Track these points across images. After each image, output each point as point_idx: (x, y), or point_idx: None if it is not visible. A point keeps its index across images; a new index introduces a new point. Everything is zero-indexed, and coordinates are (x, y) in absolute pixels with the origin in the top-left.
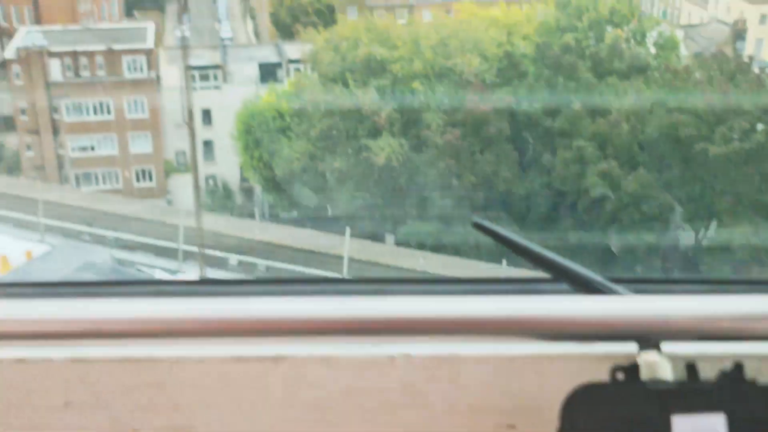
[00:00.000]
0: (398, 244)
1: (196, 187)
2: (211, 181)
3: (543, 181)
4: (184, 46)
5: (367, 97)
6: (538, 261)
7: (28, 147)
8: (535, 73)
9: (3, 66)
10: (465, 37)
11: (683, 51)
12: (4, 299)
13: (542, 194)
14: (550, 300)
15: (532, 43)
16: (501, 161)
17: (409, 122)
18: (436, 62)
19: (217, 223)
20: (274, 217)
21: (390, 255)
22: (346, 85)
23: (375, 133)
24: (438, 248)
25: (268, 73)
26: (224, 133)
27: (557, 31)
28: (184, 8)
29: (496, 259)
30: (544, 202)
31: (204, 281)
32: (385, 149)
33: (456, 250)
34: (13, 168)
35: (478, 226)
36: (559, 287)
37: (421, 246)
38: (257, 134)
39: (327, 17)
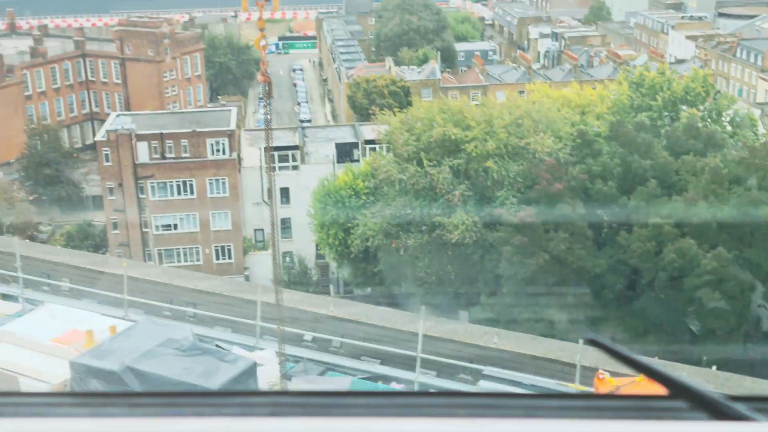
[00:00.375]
0: (472, 321)
1: (275, 263)
2: (288, 258)
3: (618, 258)
4: (265, 127)
5: (441, 176)
6: (656, 377)
7: (115, 225)
8: (610, 151)
9: (94, 148)
10: (538, 116)
11: (761, 128)
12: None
13: (618, 271)
14: (679, 426)
15: (605, 122)
16: (575, 238)
17: (482, 200)
18: (509, 141)
19: (293, 298)
20: (349, 293)
21: (464, 332)
22: (420, 164)
23: (449, 211)
24: (511, 325)
25: (344, 153)
26: (301, 211)
27: (631, 110)
28: (267, 93)
29: (572, 339)
30: (620, 280)
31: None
32: (458, 227)
33: (530, 328)
34: (100, 245)
35: (593, 343)
36: (677, 405)
37: (494, 323)
38: (333, 212)
39: (402, 99)
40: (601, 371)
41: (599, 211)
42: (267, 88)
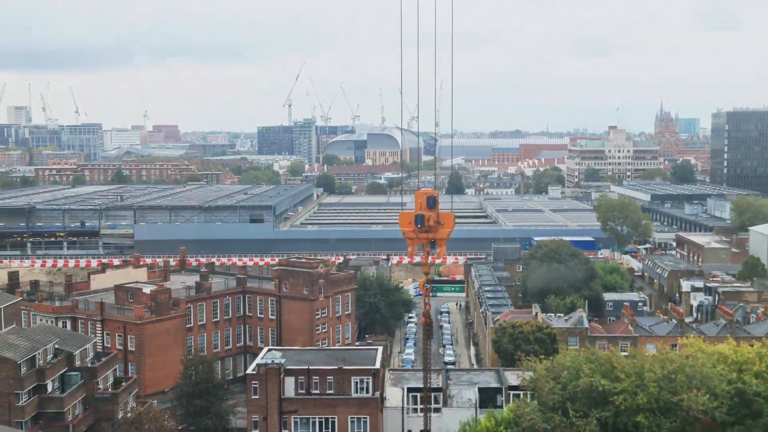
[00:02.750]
0: None
1: None
2: None
3: None
4: (409, 368)
5: (588, 428)
6: None
7: None
8: None
9: (244, 380)
10: (692, 372)
11: None
12: None
13: None
14: None
15: (765, 381)
16: None
17: None
18: (661, 396)
19: None
20: None
21: None
22: (566, 414)
23: None
24: None
25: (487, 398)
26: None
27: None
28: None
29: None
30: None
31: None
32: None
33: None
34: None
35: None
36: None
37: None
38: None
39: (548, 346)
40: None
41: None
42: (428, 329)
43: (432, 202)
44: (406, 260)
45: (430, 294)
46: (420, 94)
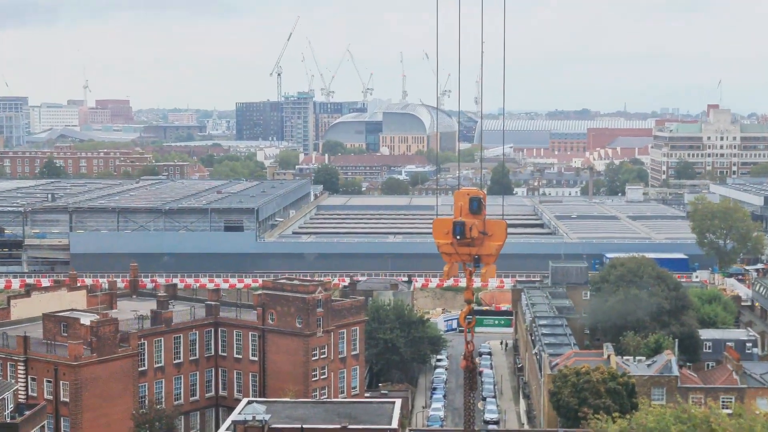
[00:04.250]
0: None
1: None
2: None
3: None
4: (438, 429)
5: None
6: None
7: None
8: None
9: None
10: None
11: None
12: None
13: None
14: None
15: None
16: None
17: None
18: None
19: None
20: None
21: None
22: None
23: None
24: None
25: None
26: None
27: None
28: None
29: None
30: None
31: None
32: None
33: None
34: None
35: None
36: None
37: None
38: None
39: (624, 400)
40: None
41: None
42: (470, 377)
43: (477, 206)
44: (433, 282)
45: (473, 329)
46: (459, 61)
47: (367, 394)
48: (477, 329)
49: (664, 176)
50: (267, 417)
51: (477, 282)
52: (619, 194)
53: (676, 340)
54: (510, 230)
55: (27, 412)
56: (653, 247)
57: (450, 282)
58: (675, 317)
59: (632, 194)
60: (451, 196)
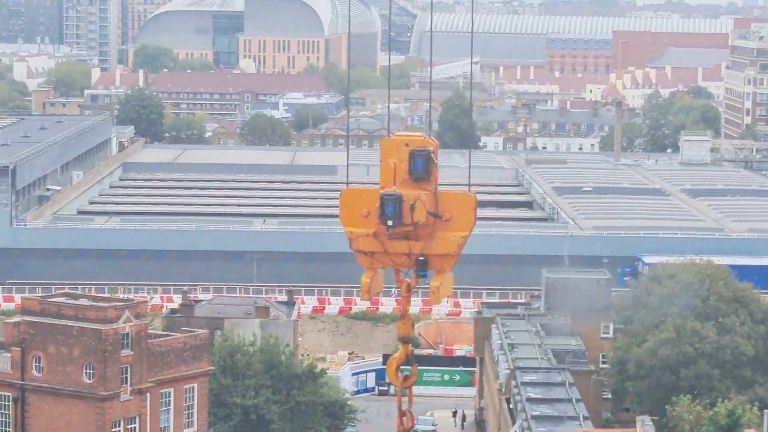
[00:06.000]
0: None
1: None
2: None
3: None
4: None
5: None
6: None
7: None
8: None
9: None
10: None
11: None
12: None
13: None
14: None
15: None
16: None
17: None
18: None
19: None
20: None
21: None
22: None
23: None
24: None
25: None
26: None
27: None
28: None
29: None
30: None
31: None
32: None
33: None
34: None
35: None
36: None
37: None
38: None
39: None
40: None
41: None
42: None
43: (424, 167)
44: (335, 305)
45: (412, 390)
46: None
47: None
48: (417, 390)
49: (749, 120)
50: None
51: (417, 305)
52: (669, 150)
53: (767, 411)
54: (478, 212)
55: None
56: (729, 245)
57: (365, 305)
58: (765, 371)
59: (692, 151)
60: (375, 149)
